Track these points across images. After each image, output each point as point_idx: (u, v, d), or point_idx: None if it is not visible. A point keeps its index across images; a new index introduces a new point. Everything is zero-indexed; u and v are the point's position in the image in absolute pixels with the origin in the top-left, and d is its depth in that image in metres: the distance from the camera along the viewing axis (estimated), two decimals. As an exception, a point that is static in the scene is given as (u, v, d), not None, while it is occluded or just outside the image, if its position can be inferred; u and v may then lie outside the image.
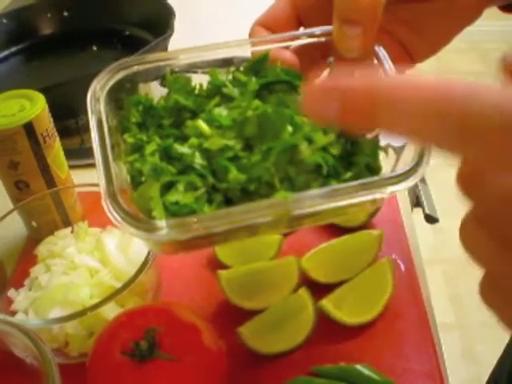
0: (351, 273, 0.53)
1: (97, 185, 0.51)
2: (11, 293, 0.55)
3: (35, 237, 0.60)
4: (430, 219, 0.87)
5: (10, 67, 1.00)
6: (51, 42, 1.04)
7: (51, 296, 0.52)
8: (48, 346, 0.46)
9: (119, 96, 0.38)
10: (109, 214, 0.32)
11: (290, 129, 0.34)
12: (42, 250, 0.57)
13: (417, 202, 0.87)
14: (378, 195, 0.33)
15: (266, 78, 0.38)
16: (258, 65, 0.39)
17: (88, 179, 0.61)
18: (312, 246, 0.56)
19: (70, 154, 0.68)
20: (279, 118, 0.34)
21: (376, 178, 0.34)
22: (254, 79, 0.38)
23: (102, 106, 0.36)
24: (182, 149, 0.34)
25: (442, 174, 2.09)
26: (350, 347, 0.49)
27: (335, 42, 0.37)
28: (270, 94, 0.38)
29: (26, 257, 0.59)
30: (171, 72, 0.39)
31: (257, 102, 0.36)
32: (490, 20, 2.84)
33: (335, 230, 0.58)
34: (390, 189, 0.33)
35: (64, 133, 0.73)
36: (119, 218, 0.32)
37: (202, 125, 0.35)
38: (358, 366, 0.46)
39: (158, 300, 0.53)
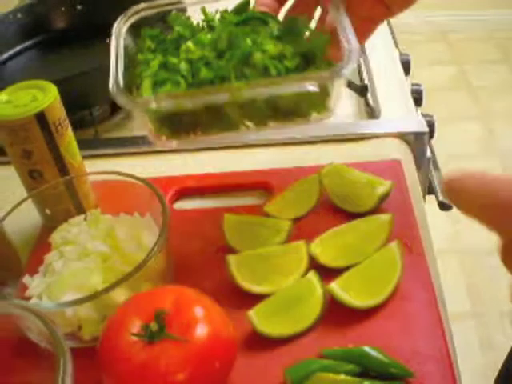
0: (360, 257, 0.53)
1: (109, 173, 0.55)
2: (26, 279, 0.56)
3: (49, 225, 0.61)
4: (444, 206, 0.86)
5: (25, 61, 1.02)
6: (65, 35, 1.05)
7: (64, 281, 0.53)
8: (62, 330, 0.47)
9: (137, 31, 0.53)
10: (114, 96, 0.47)
11: (249, 42, 0.49)
12: (55, 237, 0.58)
13: (430, 190, 0.86)
14: (311, 86, 0.47)
15: (242, 15, 0.52)
16: (241, 7, 0.53)
17: (102, 169, 0.62)
18: (321, 231, 0.56)
19: (84, 144, 0.69)
20: (242, 35, 0.49)
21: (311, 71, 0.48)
22: (233, 16, 0.52)
23: (122, 38, 0.52)
24: (174, 60, 0.50)
25: (458, 164, 2.08)
26: (358, 330, 0.50)
27: None
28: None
29: (40, 245, 0.60)
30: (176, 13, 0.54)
31: (230, 27, 0.50)
32: (506, 8, 2.81)
33: (345, 216, 0.59)
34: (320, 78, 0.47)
35: (78, 124, 0.75)
36: (122, 98, 0.47)
37: (189, 44, 0.50)
38: (367, 348, 0.46)
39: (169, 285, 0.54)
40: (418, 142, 0.70)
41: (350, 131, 0.70)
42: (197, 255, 0.58)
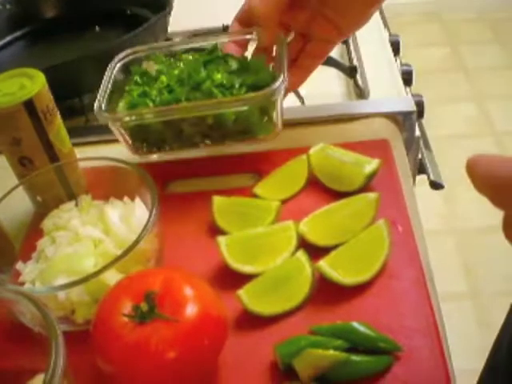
0: (349, 235, 0.53)
1: (99, 158, 0.56)
2: (19, 266, 0.56)
3: (41, 211, 0.61)
4: (436, 185, 0.87)
5: (15, 51, 1.02)
6: (55, 24, 1.04)
7: (56, 266, 0.53)
8: (55, 314, 0.48)
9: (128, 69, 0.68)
10: (96, 114, 0.61)
11: (203, 74, 0.62)
12: (47, 223, 0.59)
13: (421, 169, 0.87)
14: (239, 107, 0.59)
15: (207, 56, 0.65)
16: (211, 50, 0.66)
17: (92, 156, 0.62)
18: (310, 211, 0.57)
19: (74, 132, 0.70)
20: (197, 67, 0.63)
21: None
22: (200, 56, 0.66)
23: (114, 72, 0.66)
24: (148, 89, 0.64)
25: (452, 144, 2.08)
26: (347, 307, 0.50)
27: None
28: None
29: (33, 231, 0.60)
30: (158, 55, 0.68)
31: (192, 63, 0.64)
32: (500, -11, 2.77)
33: (333, 195, 0.59)
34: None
35: (69, 112, 0.75)
36: (100, 115, 0.61)
37: (163, 77, 0.64)
38: (355, 324, 0.47)
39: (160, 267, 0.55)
40: (406, 122, 0.71)
41: (339, 112, 0.70)
42: (187, 237, 0.59)
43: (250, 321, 0.50)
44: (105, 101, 0.62)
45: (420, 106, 0.78)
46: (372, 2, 0.61)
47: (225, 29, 0.90)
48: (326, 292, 0.51)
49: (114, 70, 0.66)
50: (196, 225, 0.60)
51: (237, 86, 0.61)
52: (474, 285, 1.69)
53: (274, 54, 0.64)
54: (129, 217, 0.56)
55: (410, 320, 0.49)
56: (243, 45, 0.67)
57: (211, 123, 0.61)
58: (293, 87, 0.66)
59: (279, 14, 0.61)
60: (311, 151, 0.62)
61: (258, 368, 0.47)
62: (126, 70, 0.68)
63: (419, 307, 0.50)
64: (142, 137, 0.64)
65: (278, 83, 0.57)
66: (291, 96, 0.77)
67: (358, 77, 0.79)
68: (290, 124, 0.70)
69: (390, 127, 0.69)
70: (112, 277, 0.49)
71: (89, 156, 0.63)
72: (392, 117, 0.70)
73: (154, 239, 0.53)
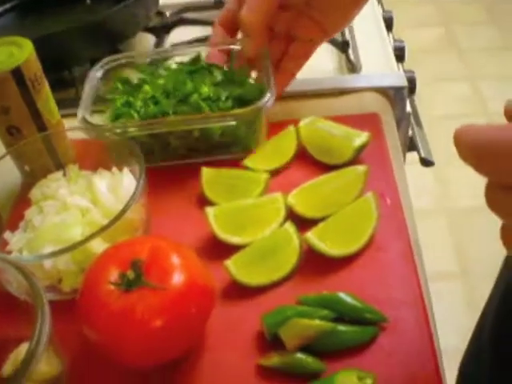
0: (337, 207, 0.53)
1: (86, 128, 0.56)
2: (7, 235, 0.56)
3: (29, 181, 0.61)
4: (426, 162, 0.87)
5: (5, 23, 1.00)
6: (45, -4, 1.03)
7: (44, 235, 0.53)
8: (42, 283, 0.48)
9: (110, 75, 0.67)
10: (79, 122, 0.60)
11: (190, 86, 0.61)
12: (35, 193, 0.59)
13: (412, 146, 0.87)
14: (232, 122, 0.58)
15: (192, 66, 0.65)
16: (194, 60, 0.66)
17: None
18: (299, 183, 0.57)
19: (64, 103, 0.69)
20: (182, 78, 0.62)
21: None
22: (183, 66, 0.65)
23: (95, 79, 0.65)
24: (132, 99, 0.62)
25: (444, 124, 2.08)
26: (334, 278, 0.50)
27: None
28: None
29: (21, 201, 0.60)
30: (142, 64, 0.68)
31: (177, 74, 0.63)
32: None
33: (322, 168, 0.59)
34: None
35: (59, 84, 0.74)
36: (85, 125, 0.60)
37: (146, 87, 0.63)
38: (341, 294, 0.47)
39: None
40: (397, 97, 0.71)
41: (329, 86, 0.70)
42: (176, 209, 0.59)
43: (238, 291, 0.50)
44: (88, 110, 0.61)
45: (412, 82, 0.78)
46: (357, 3, 0.61)
47: (216, 3, 0.89)
48: (314, 263, 0.51)
49: (94, 76, 0.65)
50: (185, 196, 0.60)
51: (223, 98, 0.60)
52: (464, 265, 1.70)
53: (259, 67, 0.63)
54: (117, 187, 0.56)
55: (397, 292, 0.49)
56: (227, 53, 0.66)
57: (198, 136, 0.60)
58: (277, 92, 0.64)
59: (267, 23, 0.61)
60: (301, 124, 0.61)
61: (245, 337, 0.47)
62: (106, 76, 0.67)
63: (406, 279, 0.50)
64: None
65: (266, 98, 0.57)
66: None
67: (350, 52, 0.78)
68: (280, 97, 0.70)
69: (380, 102, 0.69)
70: (99, 246, 0.49)
71: (77, 126, 0.62)
72: (383, 91, 0.70)
73: (141, 209, 0.53)
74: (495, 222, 0.38)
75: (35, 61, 0.59)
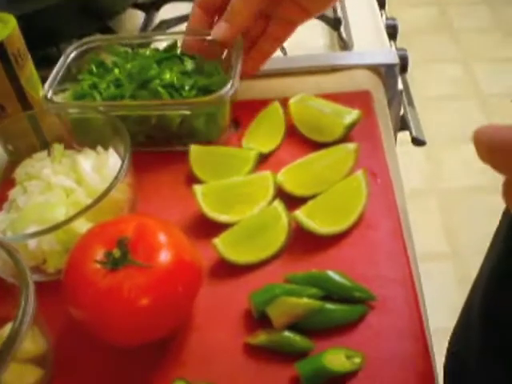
0: (326, 185, 0.53)
1: (72, 106, 0.55)
2: (-9, 216, 0.55)
3: (14, 160, 0.60)
4: (417, 142, 0.86)
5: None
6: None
7: (27, 216, 0.52)
8: (26, 263, 0.47)
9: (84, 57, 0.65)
10: (41, 99, 0.59)
11: (153, 72, 0.59)
12: (19, 172, 0.58)
13: (403, 126, 0.86)
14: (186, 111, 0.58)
15: (165, 53, 0.63)
16: (170, 47, 0.65)
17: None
18: (289, 161, 0.56)
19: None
20: (149, 64, 0.60)
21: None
22: (156, 53, 0.64)
23: (68, 59, 0.63)
24: (97, 80, 0.61)
25: (436, 105, 2.08)
26: (323, 257, 0.50)
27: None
28: None
29: (5, 181, 0.59)
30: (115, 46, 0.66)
31: (144, 59, 0.62)
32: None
33: (312, 146, 0.58)
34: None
35: (45, 61, 0.73)
36: (44, 102, 0.58)
37: (115, 70, 0.62)
38: (330, 272, 0.47)
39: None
40: (389, 74, 0.70)
41: (320, 63, 0.69)
42: (163, 187, 0.58)
43: (226, 269, 0.50)
44: (52, 88, 0.59)
45: (404, 59, 0.77)
46: None
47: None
48: (302, 242, 0.51)
49: (68, 56, 0.63)
50: (172, 174, 0.59)
51: (187, 87, 0.59)
52: (454, 245, 1.70)
53: (231, 57, 0.61)
54: (102, 167, 0.55)
55: (386, 270, 0.49)
56: (202, 41, 0.64)
57: (155, 123, 0.59)
58: (250, 71, 0.64)
59: (254, 14, 0.59)
60: (291, 101, 0.61)
61: (233, 316, 0.47)
62: (82, 58, 0.65)
63: (395, 258, 0.50)
64: (83, 130, 0.61)
65: (225, 90, 0.55)
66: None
67: (342, 29, 0.77)
68: (271, 74, 0.69)
69: (372, 79, 0.68)
70: (83, 226, 0.48)
71: (64, 102, 0.61)
72: (374, 69, 0.69)
73: (127, 189, 0.52)
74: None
75: (18, 36, 0.58)
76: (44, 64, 0.65)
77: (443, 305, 1.46)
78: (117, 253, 0.43)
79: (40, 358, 0.45)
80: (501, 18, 2.51)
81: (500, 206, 0.59)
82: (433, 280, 1.58)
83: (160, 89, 0.58)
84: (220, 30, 0.60)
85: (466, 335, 0.72)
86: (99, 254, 0.43)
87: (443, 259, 1.67)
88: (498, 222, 0.67)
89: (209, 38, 0.62)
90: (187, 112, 0.57)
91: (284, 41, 0.64)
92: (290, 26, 0.62)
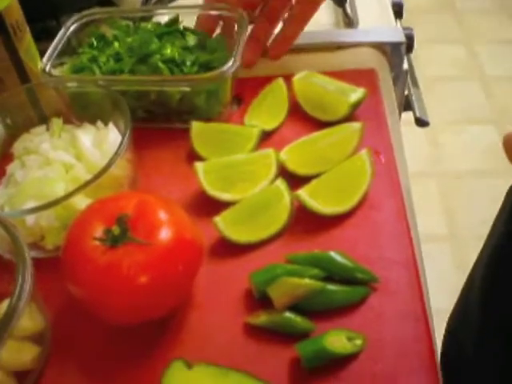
0: (330, 165, 0.52)
1: (71, 79, 0.55)
2: (-12, 191, 0.54)
3: (12, 134, 0.59)
4: (421, 122, 0.85)
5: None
6: None
7: (26, 191, 0.51)
8: (25, 240, 0.46)
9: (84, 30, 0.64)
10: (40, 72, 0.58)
11: (154, 47, 0.58)
12: (17, 147, 0.57)
13: (407, 106, 0.85)
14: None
15: (165, 28, 0.62)
16: (171, 22, 0.63)
17: (68, 79, 0.60)
18: (292, 139, 0.55)
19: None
20: (150, 38, 0.59)
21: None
22: (157, 27, 0.62)
23: (69, 32, 0.62)
24: (96, 53, 0.60)
25: (439, 87, 2.06)
26: (325, 236, 0.49)
27: None
28: None
29: (3, 156, 0.58)
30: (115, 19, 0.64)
31: (145, 33, 0.60)
32: None
33: (316, 124, 0.57)
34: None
35: (45, 34, 0.71)
36: (43, 75, 0.57)
37: (115, 43, 0.61)
38: (332, 253, 0.46)
39: (133, 191, 0.53)
40: (394, 53, 0.68)
41: (325, 40, 0.68)
42: (164, 164, 0.57)
43: (227, 248, 0.49)
44: (51, 61, 0.58)
45: (410, 38, 0.75)
46: None
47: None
48: (305, 221, 0.50)
49: (68, 29, 0.62)
50: (173, 151, 0.58)
51: (188, 63, 0.57)
52: (454, 227, 1.70)
53: (232, 32, 0.61)
54: (101, 142, 0.54)
55: (389, 251, 0.48)
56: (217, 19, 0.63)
57: (154, 99, 0.58)
58: (276, 57, 0.62)
59: None
60: (295, 78, 0.59)
61: (233, 295, 0.46)
62: (82, 31, 0.64)
63: (398, 239, 0.49)
64: (82, 105, 0.59)
65: (227, 66, 0.54)
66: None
67: (348, 6, 0.75)
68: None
69: (377, 57, 0.67)
70: (82, 202, 0.48)
71: (61, 76, 0.60)
72: (380, 47, 0.68)
73: (127, 165, 0.51)
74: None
75: (17, 7, 0.57)
76: (44, 37, 0.64)
77: (441, 285, 1.46)
78: (116, 230, 0.42)
79: (37, 336, 0.45)
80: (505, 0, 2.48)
81: (500, 190, 0.58)
82: (432, 261, 1.58)
83: (160, 64, 0.56)
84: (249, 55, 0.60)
85: (464, 317, 0.72)
86: (98, 231, 0.43)
87: (442, 241, 1.67)
88: (497, 206, 0.66)
89: (225, 13, 0.61)
90: (187, 88, 0.56)
91: (307, 22, 0.63)
92: (311, 6, 0.61)
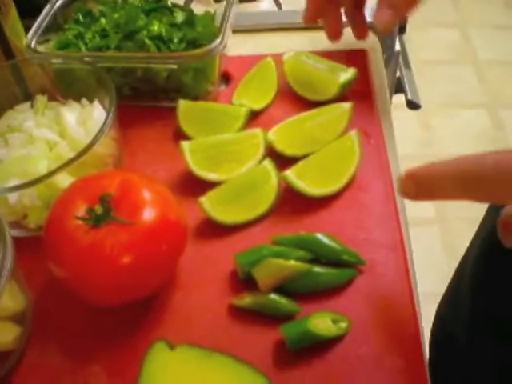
0: (319, 145, 0.51)
1: (56, 56, 0.53)
2: (-29, 168, 0.53)
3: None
4: (412, 105, 0.85)
5: None
6: None
7: (8, 169, 0.50)
8: (6, 218, 0.45)
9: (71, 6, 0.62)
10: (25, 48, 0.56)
11: (141, 23, 0.57)
12: (1, 124, 0.55)
13: (398, 88, 0.84)
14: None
15: (153, 4, 0.61)
16: None
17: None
18: (281, 119, 0.54)
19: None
20: (136, 14, 0.58)
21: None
22: (145, 3, 0.61)
23: (55, 7, 0.60)
24: (82, 30, 0.59)
25: (431, 70, 2.05)
26: (312, 218, 0.49)
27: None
28: None
29: (-14, 133, 0.57)
30: None
31: (132, 8, 0.59)
32: None
33: (305, 104, 0.56)
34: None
35: (34, 11, 0.70)
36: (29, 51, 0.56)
37: (102, 19, 0.60)
38: (319, 235, 0.45)
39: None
40: (386, 34, 0.67)
41: (316, 19, 0.66)
42: (150, 143, 0.56)
43: (212, 229, 0.48)
44: (36, 37, 0.57)
45: (402, 20, 0.75)
46: None
47: None
48: (292, 202, 0.49)
49: (54, 4, 0.61)
50: (160, 130, 0.57)
51: (176, 40, 0.56)
52: (442, 210, 1.70)
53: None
54: (86, 119, 0.53)
55: (376, 233, 0.48)
56: None
57: (140, 76, 0.57)
58: (386, 30, 0.54)
59: None
60: (285, 57, 0.58)
61: (218, 276, 0.46)
62: (68, 6, 0.62)
63: (386, 221, 0.48)
64: (67, 82, 0.58)
65: (215, 44, 0.53)
66: (268, 1, 0.72)
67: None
68: (265, 29, 0.67)
69: (369, 38, 0.66)
70: (65, 180, 0.47)
71: (46, 52, 0.59)
72: (372, 27, 0.66)
73: (112, 143, 0.50)
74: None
75: (0, -18, 0.55)
76: (32, 13, 0.62)
77: (428, 270, 1.46)
78: (99, 209, 0.41)
79: (19, 316, 0.44)
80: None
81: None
82: (420, 244, 1.58)
83: (147, 40, 0.55)
84: (384, 17, 0.52)
85: (455, 305, 0.71)
86: (81, 210, 0.42)
87: (430, 224, 1.67)
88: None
89: None
90: (174, 66, 0.55)
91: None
92: None
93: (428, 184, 0.37)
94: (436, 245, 1.63)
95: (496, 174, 0.33)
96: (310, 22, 0.57)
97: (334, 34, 0.58)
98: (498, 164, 0.33)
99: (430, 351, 0.74)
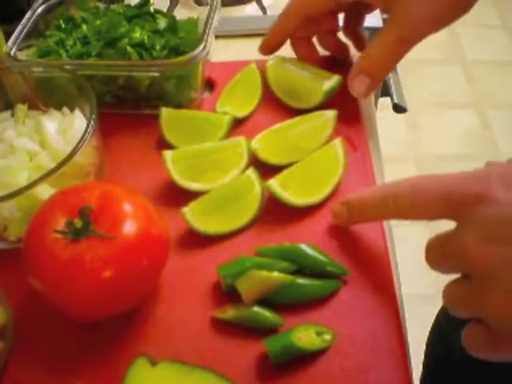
0: (303, 154, 0.51)
1: (37, 64, 0.57)
2: (-50, 180, 0.52)
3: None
4: (399, 108, 0.85)
5: None
6: None
7: (-12, 180, 0.49)
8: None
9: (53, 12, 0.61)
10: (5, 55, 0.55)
11: (122, 30, 0.56)
12: (-19, 135, 0.55)
13: (384, 91, 0.84)
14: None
15: (135, 10, 0.60)
16: (141, 4, 0.61)
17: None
18: (265, 127, 0.53)
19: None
20: (118, 21, 0.57)
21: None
22: (127, 9, 0.60)
23: (36, 13, 0.60)
24: (63, 36, 0.58)
25: (419, 70, 2.05)
26: (296, 228, 0.48)
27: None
28: None
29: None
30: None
31: (113, 16, 0.58)
32: None
33: (289, 112, 0.56)
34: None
35: (16, 15, 0.69)
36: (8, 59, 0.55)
37: (83, 26, 0.59)
38: (303, 246, 0.45)
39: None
40: (372, 38, 0.67)
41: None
42: (133, 152, 0.55)
43: (195, 240, 0.48)
44: (17, 44, 0.56)
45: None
46: None
47: None
48: (276, 212, 0.49)
49: (36, 10, 0.60)
50: (142, 138, 0.56)
51: (158, 47, 0.55)
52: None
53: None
54: (67, 129, 0.52)
55: (361, 244, 0.47)
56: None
57: (122, 84, 0.56)
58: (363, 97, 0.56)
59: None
60: (269, 63, 0.58)
61: (201, 288, 0.45)
62: (50, 12, 0.61)
63: (371, 230, 0.48)
64: (48, 90, 0.57)
65: (197, 51, 0.52)
66: (253, 6, 0.72)
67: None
68: (249, 35, 0.66)
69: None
70: (46, 192, 0.46)
71: (27, 60, 0.58)
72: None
73: (93, 152, 0.50)
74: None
75: (-22, -13, 0.54)
76: (15, 18, 0.61)
77: (414, 271, 1.46)
78: (78, 223, 0.41)
79: (0, 330, 0.43)
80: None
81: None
82: (407, 244, 1.58)
83: (129, 48, 0.54)
84: (362, 85, 0.53)
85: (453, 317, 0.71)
86: (60, 223, 0.41)
87: (418, 224, 1.67)
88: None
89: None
90: (156, 74, 0.54)
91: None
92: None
93: (358, 206, 0.44)
94: (424, 244, 1.62)
95: (411, 193, 0.39)
96: (267, 54, 0.59)
97: (308, 61, 0.59)
98: (413, 185, 0.40)
99: (429, 364, 0.73)
